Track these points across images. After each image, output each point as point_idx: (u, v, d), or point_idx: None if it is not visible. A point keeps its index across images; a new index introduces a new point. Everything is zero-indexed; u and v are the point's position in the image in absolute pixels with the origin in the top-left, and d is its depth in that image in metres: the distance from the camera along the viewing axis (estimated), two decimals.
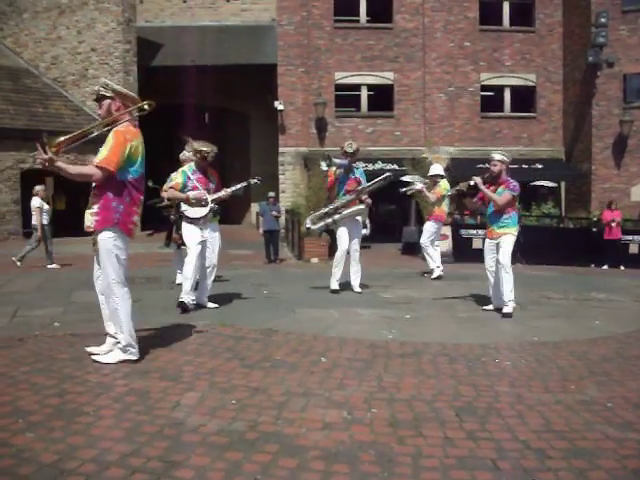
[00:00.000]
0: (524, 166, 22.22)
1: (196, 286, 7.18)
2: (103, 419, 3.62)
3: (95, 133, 4.82)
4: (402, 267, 13.42)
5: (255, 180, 8.10)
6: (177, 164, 8.36)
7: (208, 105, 25.69)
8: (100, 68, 22.87)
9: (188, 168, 7.30)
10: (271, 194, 15.26)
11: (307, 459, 3.16)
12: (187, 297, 6.95)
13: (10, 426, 3.49)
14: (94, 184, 4.71)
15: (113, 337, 4.91)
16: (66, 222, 23.28)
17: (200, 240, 7.04)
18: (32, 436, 3.36)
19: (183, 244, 7.61)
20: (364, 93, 22.84)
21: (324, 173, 8.88)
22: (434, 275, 10.65)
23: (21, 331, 5.86)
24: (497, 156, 7.55)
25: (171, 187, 7.34)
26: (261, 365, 4.83)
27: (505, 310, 7.11)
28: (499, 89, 23.08)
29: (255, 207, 24.02)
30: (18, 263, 12.10)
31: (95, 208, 4.70)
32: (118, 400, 3.95)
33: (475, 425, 3.67)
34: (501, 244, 7.22)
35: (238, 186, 7.68)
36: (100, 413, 3.72)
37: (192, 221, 7.09)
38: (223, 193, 7.30)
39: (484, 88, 22.96)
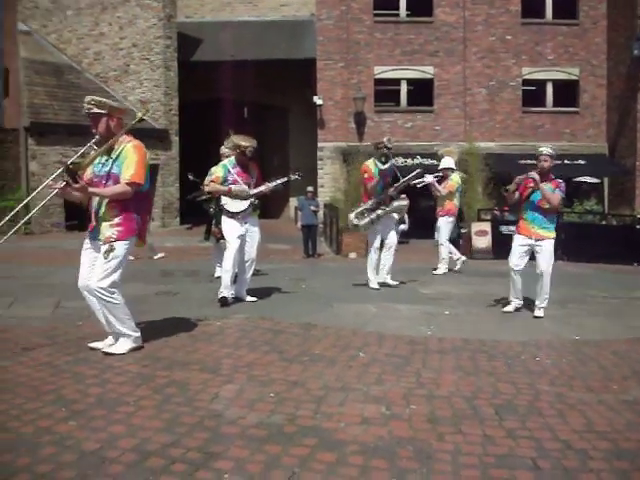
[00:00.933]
0: (566, 162, 21.80)
1: (235, 279, 7.23)
2: (143, 409, 3.68)
3: (102, 150, 4.85)
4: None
5: (296, 176, 8.10)
6: (217, 158, 8.41)
7: (247, 100, 25.78)
8: (141, 63, 23.14)
9: (229, 162, 7.34)
10: (310, 189, 15.26)
11: (345, 453, 3.15)
12: (226, 291, 7.01)
13: (54, 414, 3.56)
14: None
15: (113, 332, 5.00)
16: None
17: (240, 234, 7.08)
18: (74, 424, 3.42)
19: (222, 238, 7.67)
20: (404, 88, 22.67)
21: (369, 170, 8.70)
22: (439, 272, 10.71)
23: (64, 322, 5.97)
24: (547, 150, 7.16)
25: (212, 180, 7.38)
26: (299, 359, 4.85)
27: (538, 314, 6.92)
28: (541, 83, 22.66)
29: (293, 202, 24.03)
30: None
31: (117, 220, 4.79)
32: (158, 391, 4.00)
33: (515, 423, 3.63)
34: (543, 249, 6.94)
35: (278, 181, 7.69)
36: (140, 403, 3.77)
37: (232, 215, 7.14)
38: (264, 188, 7.32)
39: (526, 82, 22.57)
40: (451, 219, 11.00)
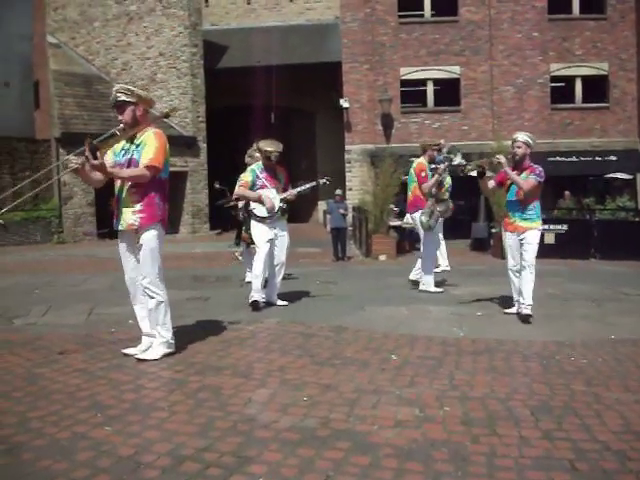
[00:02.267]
0: (597, 158, 21.53)
1: (265, 284, 7.25)
2: (177, 414, 3.70)
3: (124, 137, 4.92)
4: (471, 264, 13.20)
5: (324, 180, 8.10)
6: (243, 166, 8.44)
7: (274, 104, 25.89)
8: (168, 72, 23.39)
9: (257, 166, 7.37)
10: (338, 192, 15.26)
11: (379, 457, 3.14)
12: (257, 295, 7.03)
13: (89, 419, 3.60)
14: (130, 183, 4.84)
15: (149, 335, 5.04)
16: None
17: (269, 238, 7.11)
18: (110, 430, 3.45)
19: (252, 243, 7.70)
20: (430, 88, 22.56)
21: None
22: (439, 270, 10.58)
23: (97, 328, 6.04)
24: (521, 137, 6.71)
25: (240, 185, 7.40)
26: (331, 362, 4.84)
27: (525, 312, 6.48)
28: (570, 79, 22.39)
29: (322, 205, 24.08)
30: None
31: (138, 206, 4.81)
32: (192, 396, 4.02)
33: (551, 425, 3.57)
34: (526, 241, 6.51)
35: (307, 186, 7.71)
36: (174, 408, 3.79)
37: (261, 220, 7.17)
38: (290, 193, 7.33)
39: (554, 79, 22.32)
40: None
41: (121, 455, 3.13)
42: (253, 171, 7.33)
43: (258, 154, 7.69)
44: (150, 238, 4.84)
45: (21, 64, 26.77)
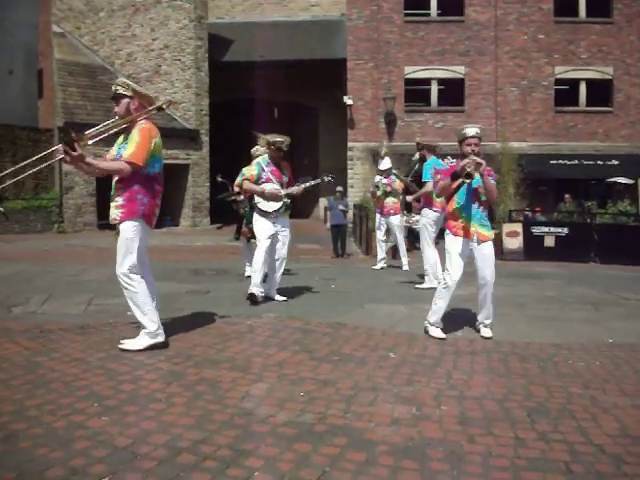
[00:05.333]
0: (599, 162, 21.54)
1: (265, 279, 7.25)
2: (175, 406, 3.70)
3: (114, 130, 5.00)
4: (472, 265, 13.17)
5: (329, 178, 8.08)
6: (247, 158, 8.45)
7: (277, 100, 25.88)
8: (172, 64, 23.37)
9: (262, 159, 7.35)
10: (339, 189, 15.27)
11: (375, 454, 3.14)
12: (256, 289, 7.03)
13: (86, 409, 3.61)
14: (117, 178, 4.88)
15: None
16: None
17: (271, 233, 7.10)
18: (107, 420, 3.46)
19: (252, 237, 7.70)
20: (434, 87, 22.56)
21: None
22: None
23: (96, 319, 6.04)
24: (478, 130, 5.84)
25: (246, 179, 7.37)
26: (329, 358, 4.84)
27: (486, 334, 5.76)
28: (574, 82, 22.39)
29: (323, 202, 24.09)
30: None
31: (120, 201, 4.84)
32: (189, 388, 4.03)
33: (547, 426, 3.58)
34: (485, 253, 5.68)
35: (311, 182, 7.70)
36: (172, 400, 3.80)
37: (264, 214, 7.16)
38: (296, 189, 7.32)
39: (558, 82, 22.32)
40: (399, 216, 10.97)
41: (118, 445, 3.14)
42: (259, 164, 7.31)
43: (263, 149, 7.68)
44: (126, 229, 4.82)
45: (25, 52, 26.76)
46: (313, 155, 26.79)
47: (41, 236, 18.97)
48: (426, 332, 5.81)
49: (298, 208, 23.41)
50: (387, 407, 3.80)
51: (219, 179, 11.79)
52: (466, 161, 5.50)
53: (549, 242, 15.00)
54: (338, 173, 17.88)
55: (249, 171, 7.41)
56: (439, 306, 5.77)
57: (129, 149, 4.80)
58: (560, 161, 21.37)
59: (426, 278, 8.77)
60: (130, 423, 3.42)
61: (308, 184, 7.59)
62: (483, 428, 3.53)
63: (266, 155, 7.40)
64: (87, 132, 4.87)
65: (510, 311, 7.20)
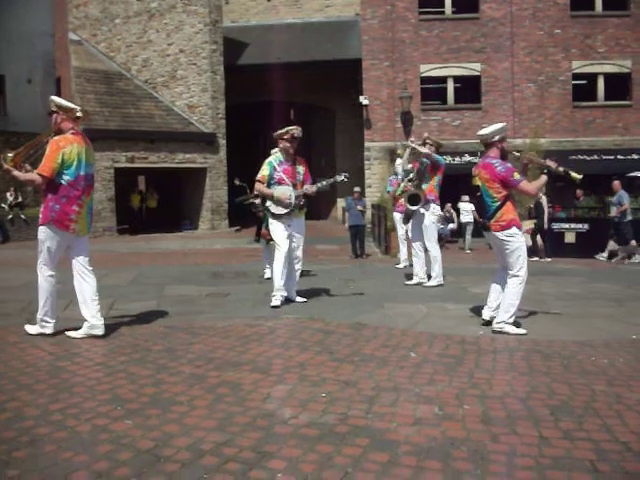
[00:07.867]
0: (619, 157, 21.33)
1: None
2: (197, 409, 3.71)
3: (41, 144, 5.68)
4: (490, 261, 13.11)
5: (342, 177, 8.00)
6: (264, 160, 8.43)
7: (293, 101, 25.91)
8: (188, 69, 23.49)
9: (274, 159, 7.25)
10: (357, 189, 15.24)
11: (398, 454, 3.13)
12: (279, 294, 7.02)
13: (109, 413, 3.63)
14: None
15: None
16: (158, 219, 24.16)
17: (287, 235, 7.09)
18: (130, 423, 3.48)
19: (272, 239, 7.70)
20: (450, 85, 22.46)
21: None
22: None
23: (117, 323, 6.08)
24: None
25: (258, 180, 7.25)
26: (350, 359, 4.83)
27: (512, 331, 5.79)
28: (592, 77, 22.18)
29: (341, 202, 24.08)
30: None
31: (41, 207, 5.41)
32: (211, 391, 4.04)
33: (572, 425, 3.54)
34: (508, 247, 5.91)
35: (324, 182, 7.66)
36: (194, 403, 3.81)
37: (276, 216, 7.14)
38: (309, 188, 7.26)
39: (576, 76, 22.12)
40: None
41: (141, 448, 3.15)
42: (270, 164, 7.20)
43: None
44: (39, 232, 5.37)
45: (44, 61, 27.05)
46: (330, 155, 26.78)
47: None
48: (500, 332, 5.77)
49: (316, 209, 23.45)
50: (409, 407, 3.78)
51: (237, 182, 11.83)
52: (553, 163, 6.18)
53: (570, 238, 14.89)
54: (355, 173, 17.88)
55: (260, 172, 7.25)
56: (516, 304, 5.89)
57: (42, 161, 5.32)
58: (579, 156, 21.16)
59: (433, 274, 8.81)
60: (153, 426, 3.44)
61: (321, 184, 7.53)
62: (506, 427, 3.50)
63: (278, 154, 7.33)
64: (13, 153, 5.45)
65: (531, 308, 7.14)
